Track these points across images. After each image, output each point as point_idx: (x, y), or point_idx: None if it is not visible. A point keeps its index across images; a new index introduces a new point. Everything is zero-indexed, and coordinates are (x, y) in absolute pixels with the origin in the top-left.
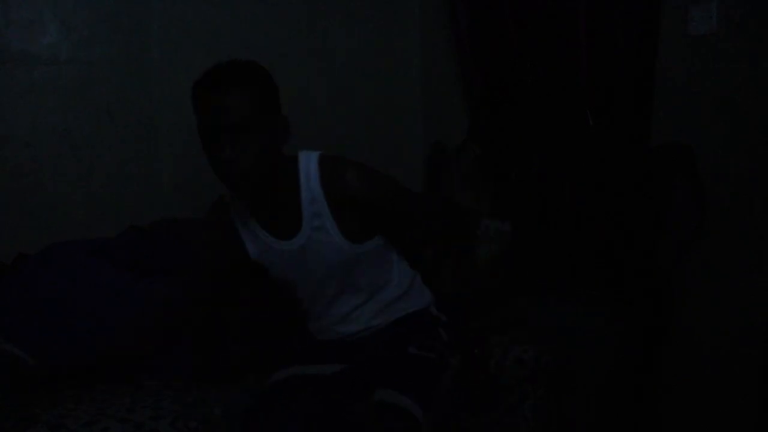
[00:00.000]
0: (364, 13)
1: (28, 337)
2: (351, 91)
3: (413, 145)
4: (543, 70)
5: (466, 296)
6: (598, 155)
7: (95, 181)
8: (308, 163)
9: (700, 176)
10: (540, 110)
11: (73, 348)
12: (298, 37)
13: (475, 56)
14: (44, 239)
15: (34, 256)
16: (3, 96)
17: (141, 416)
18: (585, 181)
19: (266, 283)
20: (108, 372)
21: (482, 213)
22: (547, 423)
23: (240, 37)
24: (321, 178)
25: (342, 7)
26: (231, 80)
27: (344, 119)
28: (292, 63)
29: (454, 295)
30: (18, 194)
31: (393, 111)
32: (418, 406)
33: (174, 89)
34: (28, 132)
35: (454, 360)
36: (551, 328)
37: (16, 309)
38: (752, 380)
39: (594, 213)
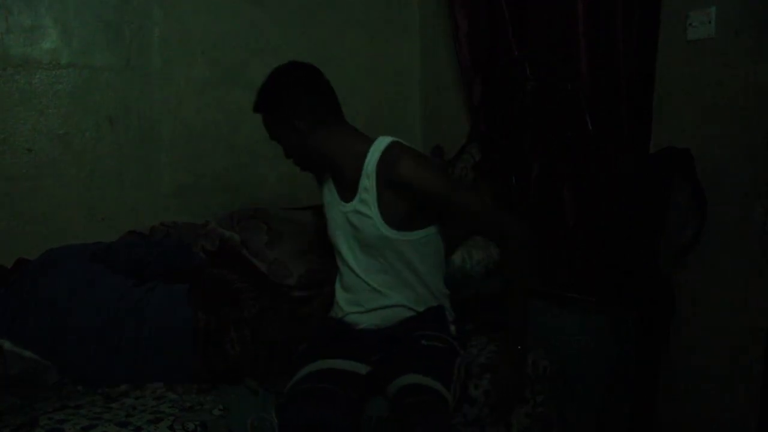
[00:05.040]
0: (364, 17)
1: (28, 342)
2: (350, 95)
3: None
4: (543, 74)
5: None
6: (598, 159)
7: (95, 185)
8: (379, 145)
9: (699, 179)
10: (540, 114)
11: (72, 352)
12: (298, 41)
13: (475, 60)
14: (44, 244)
15: (34, 260)
16: (3, 101)
17: (140, 420)
18: (585, 185)
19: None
20: (107, 375)
21: None
22: (547, 429)
23: (239, 43)
24: (379, 161)
25: (341, 11)
26: None
27: None
28: None
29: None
30: (18, 199)
31: (393, 115)
32: (439, 383)
33: (174, 95)
34: (28, 137)
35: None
36: (550, 332)
37: (15, 313)
38: (752, 381)
39: (594, 217)
